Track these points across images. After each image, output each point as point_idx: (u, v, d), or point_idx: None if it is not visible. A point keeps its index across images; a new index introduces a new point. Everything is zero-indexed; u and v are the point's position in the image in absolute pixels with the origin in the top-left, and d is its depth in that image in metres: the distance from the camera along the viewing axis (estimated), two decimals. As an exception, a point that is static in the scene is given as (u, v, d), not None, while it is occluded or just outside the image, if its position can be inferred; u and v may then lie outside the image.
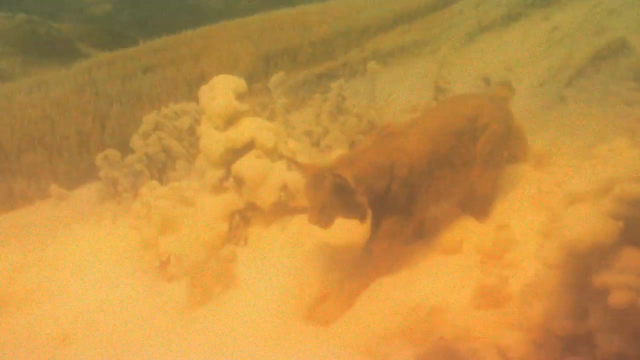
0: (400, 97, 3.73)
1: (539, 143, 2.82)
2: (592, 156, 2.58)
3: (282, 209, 2.75)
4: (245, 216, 2.81)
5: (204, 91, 2.82)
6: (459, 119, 2.37)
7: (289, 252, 2.48)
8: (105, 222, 3.54)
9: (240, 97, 2.78)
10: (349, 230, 2.30)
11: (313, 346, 1.99)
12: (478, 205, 2.48)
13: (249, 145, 2.73)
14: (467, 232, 2.35)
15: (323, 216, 2.04)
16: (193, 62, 4.00)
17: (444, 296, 2.05)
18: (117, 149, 3.96)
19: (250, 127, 2.73)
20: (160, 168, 3.94)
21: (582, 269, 1.62)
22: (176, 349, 2.13)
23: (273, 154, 2.76)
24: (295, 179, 2.72)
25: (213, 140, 2.71)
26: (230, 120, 2.74)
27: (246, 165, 2.68)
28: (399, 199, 2.15)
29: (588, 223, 1.56)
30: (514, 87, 2.78)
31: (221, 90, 2.73)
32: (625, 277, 1.55)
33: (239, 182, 2.73)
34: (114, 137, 4.32)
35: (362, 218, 2.12)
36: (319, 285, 2.22)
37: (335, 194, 2.00)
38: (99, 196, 4.00)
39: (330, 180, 1.98)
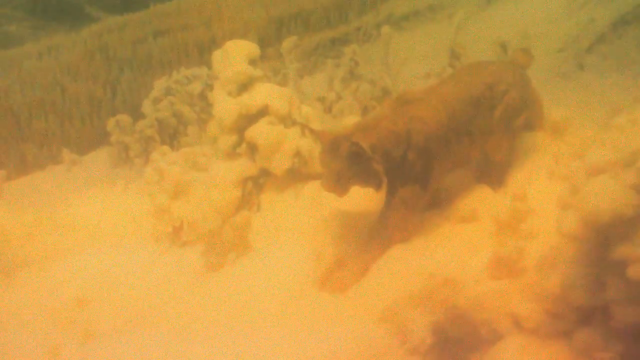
0: (414, 63, 3.67)
1: (556, 112, 2.75)
2: (612, 127, 2.55)
3: (296, 176, 2.74)
4: (257, 182, 2.80)
5: (217, 56, 2.78)
6: (477, 86, 2.32)
7: (303, 219, 2.48)
8: (118, 187, 3.56)
9: (253, 62, 2.74)
10: (364, 199, 2.28)
11: (328, 313, 2.00)
12: (494, 174, 2.46)
13: (263, 112, 2.69)
14: (482, 201, 2.33)
15: (339, 184, 2.03)
16: (204, 27, 3.94)
17: (459, 265, 2.04)
18: (129, 115, 3.96)
19: (264, 93, 2.69)
20: (171, 133, 3.94)
21: (601, 240, 1.60)
22: (192, 312, 2.15)
23: (287, 120, 2.73)
24: (308, 145, 2.71)
25: (226, 106, 2.68)
26: (244, 86, 2.71)
27: (259, 132, 2.66)
28: (415, 167, 2.13)
29: (609, 195, 1.53)
30: (533, 53, 2.71)
31: (234, 56, 2.69)
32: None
33: (252, 148, 2.71)
34: (125, 102, 4.30)
35: (378, 186, 2.11)
36: (334, 253, 2.21)
37: (351, 162, 1.98)
38: (110, 161, 4.01)
39: (347, 147, 1.96)
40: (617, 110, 2.72)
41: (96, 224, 3.13)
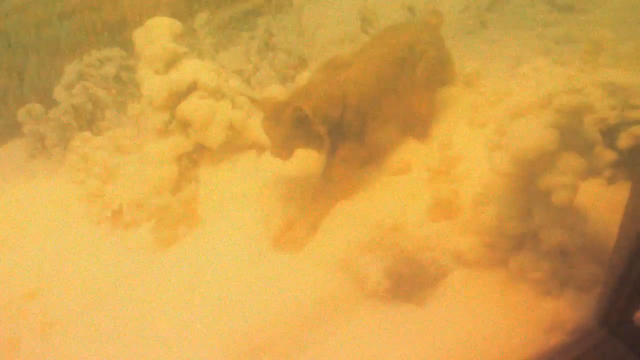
0: (327, 29, 3.79)
1: (466, 66, 2.97)
2: (517, 76, 2.82)
3: (231, 147, 2.80)
4: (193, 158, 2.83)
5: (139, 35, 2.76)
6: (399, 47, 2.49)
7: (245, 188, 2.56)
8: (39, 179, 3.46)
9: (177, 38, 2.75)
10: (304, 160, 2.39)
11: (286, 270, 2.11)
12: (419, 127, 2.65)
13: (192, 87, 2.72)
14: (413, 153, 2.53)
15: (284, 148, 2.12)
16: (112, 6, 3.83)
17: (401, 212, 2.22)
18: (40, 103, 3.82)
19: (191, 69, 2.72)
20: (88, 119, 3.84)
21: (528, 174, 1.81)
22: (150, 289, 2.18)
23: (216, 93, 2.77)
24: (240, 116, 2.78)
25: (155, 84, 2.68)
26: (170, 63, 2.72)
27: (191, 107, 2.69)
28: (352, 126, 2.27)
29: (533, 133, 1.74)
30: (442, 15, 2.91)
31: (158, 33, 2.69)
32: (564, 178, 1.76)
33: (185, 124, 2.74)
34: (34, 90, 4.11)
35: (320, 147, 2.23)
36: (282, 214, 2.31)
37: (295, 126, 2.08)
38: (26, 153, 3.85)
39: (290, 113, 2.05)
40: (519, 62, 2.99)
41: (24, 215, 3.05)
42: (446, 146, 2.45)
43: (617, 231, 1.72)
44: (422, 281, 2.03)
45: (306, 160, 2.41)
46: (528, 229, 1.91)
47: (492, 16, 3.50)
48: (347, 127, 2.26)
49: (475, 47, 3.29)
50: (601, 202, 2.04)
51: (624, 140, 2.14)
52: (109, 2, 3.87)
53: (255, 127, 2.80)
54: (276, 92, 3.00)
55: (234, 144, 2.80)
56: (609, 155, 2.01)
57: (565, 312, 1.89)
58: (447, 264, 2.07)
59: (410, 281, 2.02)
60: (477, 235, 2.05)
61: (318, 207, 2.29)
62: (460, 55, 3.08)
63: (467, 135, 2.54)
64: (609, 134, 2.13)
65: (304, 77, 3.54)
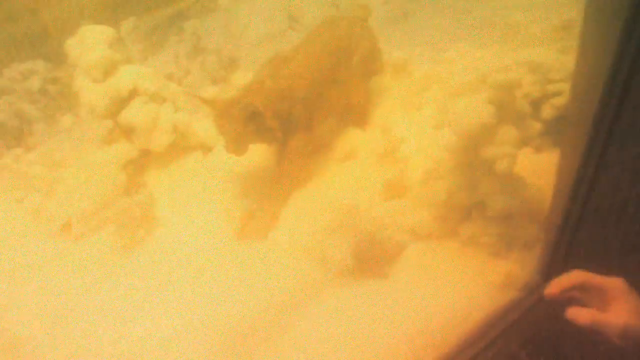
0: (256, 29, 3.85)
1: (394, 55, 3.14)
2: (443, 61, 3.02)
3: (177, 150, 2.82)
4: (139, 164, 2.83)
5: (73, 44, 2.72)
6: (334, 40, 2.61)
7: (199, 187, 2.59)
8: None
9: (112, 45, 2.74)
10: (257, 154, 2.46)
11: (253, 259, 2.18)
12: (359, 115, 2.78)
13: (132, 93, 2.72)
14: (356, 140, 2.66)
15: (239, 144, 2.19)
16: (32, 16, 3.71)
17: (355, 195, 2.35)
18: (-41, 121, 3.65)
19: (130, 75, 2.71)
20: (16, 135, 3.71)
21: (471, 148, 1.98)
22: (119, 293, 2.18)
23: (157, 98, 2.78)
24: (184, 119, 2.81)
25: (95, 92, 2.66)
26: (108, 70, 2.70)
27: (134, 113, 2.69)
28: (300, 118, 2.37)
29: (473, 110, 1.91)
30: (370, 7, 3.06)
31: (92, 41, 2.67)
32: (504, 148, 1.94)
33: (129, 130, 2.74)
34: (-49, 108, 3.91)
35: (272, 141, 2.31)
36: (241, 208, 2.37)
37: (247, 122, 2.15)
38: (-50, 175, 3.68)
39: (242, 109, 2.12)
40: (443, 48, 3.19)
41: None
42: (387, 130, 2.60)
43: (552, 194, 1.92)
44: (383, 257, 2.17)
45: (259, 154, 2.48)
46: (475, 198, 2.09)
47: (413, 6, 3.70)
48: (296, 119, 2.35)
49: (400, 37, 3.46)
50: (533, 169, 2.24)
51: (547, 112, 2.36)
52: (28, 13, 3.74)
53: (199, 128, 2.85)
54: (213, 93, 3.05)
55: (179, 146, 2.82)
56: (536, 126, 2.22)
57: (513, 270, 2.07)
58: (403, 239, 2.21)
59: (371, 258, 2.14)
60: (428, 210, 2.20)
61: (276, 198, 2.38)
62: (386, 45, 3.23)
63: (404, 119, 2.70)
64: (534, 107, 2.34)
65: (237, 77, 3.61)
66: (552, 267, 2.01)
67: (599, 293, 1.00)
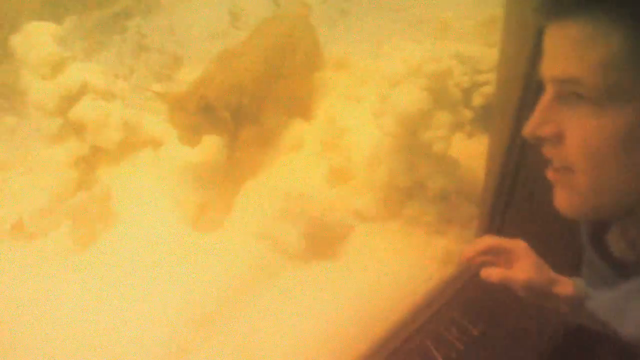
0: (199, 27, 3.92)
1: (334, 51, 3.30)
2: (381, 55, 3.19)
3: (127, 146, 2.87)
4: (90, 160, 2.86)
5: (19, 41, 2.72)
6: (279, 36, 2.75)
7: (152, 180, 2.66)
8: None
9: (59, 42, 2.76)
10: (207, 147, 2.55)
11: (210, 248, 2.28)
12: (303, 108, 2.92)
13: (82, 90, 2.75)
14: (302, 131, 2.79)
15: (193, 135, 2.28)
16: (-35, 17, 3.64)
17: (304, 183, 2.48)
18: None
19: (79, 72, 2.75)
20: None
21: (410, 132, 2.15)
22: (79, 288, 2.21)
23: (107, 95, 2.83)
24: (134, 115, 2.87)
25: (44, 90, 2.67)
26: (57, 67, 2.72)
27: (85, 110, 2.72)
28: (250, 111, 2.49)
29: (411, 97, 2.08)
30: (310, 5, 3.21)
31: (39, 38, 2.68)
32: (439, 131, 2.12)
33: (80, 127, 2.77)
34: None
35: (225, 132, 2.42)
36: (195, 200, 2.47)
37: (201, 114, 2.25)
38: None
39: (196, 101, 2.22)
40: (380, 43, 3.37)
41: None
42: (330, 121, 2.75)
43: (484, 174, 2.11)
44: (332, 239, 2.31)
45: (210, 146, 2.57)
46: (414, 180, 2.26)
47: (349, 5, 3.87)
48: (245, 111, 2.46)
49: (339, 34, 3.62)
50: (466, 153, 2.44)
51: (477, 100, 2.57)
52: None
53: (149, 124, 2.92)
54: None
55: (130, 142, 2.86)
56: (467, 113, 2.41)
57: (453, 247, 2.26)
58: (350, 221, 2.37)
59: (322, 240, 2.28)
60: (372, 193, 2.36)
61: (228, 187, 2.48)
62: (327, 41, 3.39)
63: (346, 110, 2.85)
64: (464, 95, 2.53)
65: (182, 74, 3.68)
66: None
67: (506, 254, 1.11)
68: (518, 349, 1.87)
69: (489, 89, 2.50)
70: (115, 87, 2.88)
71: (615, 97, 0.68)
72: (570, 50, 0.70)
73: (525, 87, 1.61)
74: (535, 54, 1.55)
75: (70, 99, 2.73)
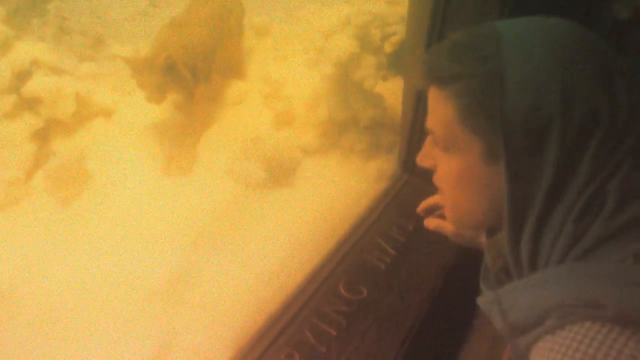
0: (119, 7, 4.14)
1: (255, 20, 3.69)
2: (299, 19, 3.64)
3: (80, 118, 3.12)
4: (45, 133, 3.07)
5: (-36, 24, 2.87)
6: (216, 5, 3.11)
7: (112, 145, 2.93)
8: None
9: (5, 21, 2.93)
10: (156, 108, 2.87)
11: (183, 187, 2.61)
12: (237, 69, 3.31)
13: (33, 66, 2.95)
14: (241, 88, 3.18)
15: (158, 94, 2.61)
16: None
17: (254, 128, 2.89)
18: None
19: (29, 49, 2.95)
20: None
21: (344, 74, 2.62)
22: (65, 239, 2.45)
23: (57, 70, 3.05)
24: (84, 87, 3.11)
25: (-4, 68, 2.85)
26: (4, 45, 2.90)
27: (39, 86, 2.93)
28: (202, 71, 2.84)
29: (343, 45, 2.55)
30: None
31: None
32: (368, 71, 2.61)
33: (34, 102, 2.97)
34: None
35: (186, 89, 2.75)
36: (163, 151, 2.79)
37: (165, 74, 2.57)
38: None
39: (162, 62, 2.54)
40: (291, 10, 3.82)
41: None
42: (265, 78, 3.17)
43: (402, 107, 2.62)
44: (285, 171, 2.74)
45: (159, 107, 2.87)
46: (349, 114, 2.75)
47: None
48: (199, 72, 2.82)
49: (257, 5, 3.99)
50: (385, 93, 2.96)
51: (387, 48, 3.09)
52: None
53: (98, 96, 3.18)
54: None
55: (82, 114, 3.10)
56: (383, 58, 2.93)
57: (383, 167, 2.77)
58: (298, 156, 2.81)
59: (277, 173, 2.71)
60: (314, 129, 2.82)
61: (190, 139, 2.83)
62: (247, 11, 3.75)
63: (276, 67, 3.28)
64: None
65: (107, 53, 3.91)
66: (407, 161, 2.72)
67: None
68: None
69: (396, 39, 3.02)
70: (63, 62, 3.10)
71: (452, 147, 0.89)
72: (431, 108, 0.91)
73: (428, 35, 1.96)
74: (436, 7, 2.04)
75: (22, 75, 2.92)
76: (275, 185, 2.68)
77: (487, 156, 0.84)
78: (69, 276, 2.33)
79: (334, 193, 2.66)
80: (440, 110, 0.88)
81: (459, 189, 0.93)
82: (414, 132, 2.50)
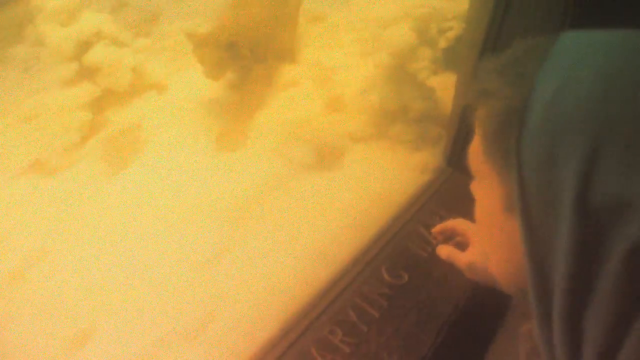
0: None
1: (314, 9, 3.74)
2: (351, 9, 3.67)
3: (134, 89, 3.21)
4: (101, 102, 3.17)
5: (33, -10, 2.98)
6: None
7: (166, 117, 3.02)
8: None
9: (71, -8, 3.03)
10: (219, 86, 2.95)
11: (234, 162, 2.68)
12: (291, 54, 3.36)
13: (96, 37, 3.05)
14: (293, 71, 3.24)
15: (217, 70, 2.68)
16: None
17: (306, 111, 2.93)
18: None
19: (93, 20, 3.04)
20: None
21: (399, 65, 2.66)
22: (114, 206, 2.55)
23: (117, 41, 3.14)
24: (141, 61, 3.20)
25: (62, 36, 2.95)
26: (72, 15, 3.00)
27: (99, 55, 3.03)
28: (260, 52, 2.90)
29: (401, 35, 2.58)
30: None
31: (54, -13, 2.95)
32: (423, 63, 2.64)
33: (94, 71, 3.07)
34: None
35: (245, 68, 2.82)
36: (215, 129, 2.86)
37: (226, 51, 2.64)
38: None
39: (224, 39, 2.60)
40: (341, 1, 3.86)
41: None
42: (317, 64, 3.21)
43: (452, 103, 2.65)
44: (335, 156, 2.79)
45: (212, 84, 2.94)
46: (400, 104, 2.78)
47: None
48: (257, 52, 2.88)
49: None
50: (436, 86, 2.98)
51: (442, 42, 3.11)
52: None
53: (153, 70, 3.26)
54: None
55: (137, 86, 3.20)
56: (437, 53, 2.95)
57: (428, 159, 2.79)
58: (346, 142, 2.86)
59: (327, 157, 2.76)
60: (364, 117, 2.86)
61: (243, 117, 2.90)
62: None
63: (328, 54, 3.33)
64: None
65: (159, 29, 4.00)
66: (452, 156, 2.74)
67: (464, 236, 1.26)
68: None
69: (452, 34, 3.03)
70: (122, 35, 3.19)
71: (479, 178, 0.76)
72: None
73: (487, 32, 2.02)
74: (496, 6, 2.06)
75: (85, 44, 3.03)
76: (322, 169, 2.72)
77: (506, 201, 0.66)
78: (115, 242, 2.42)
79: (379, 180, 2.70)
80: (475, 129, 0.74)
81: (487, 231, 0.76)
82: (461, 129, 2.53)
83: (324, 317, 1.95)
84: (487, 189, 0.71)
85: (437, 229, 1.34)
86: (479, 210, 0.78)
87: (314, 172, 2.71)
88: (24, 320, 2.13)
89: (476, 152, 0.72)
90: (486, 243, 0.77)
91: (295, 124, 2.78)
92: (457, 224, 1.29)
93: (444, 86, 2.93)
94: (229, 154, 2.76)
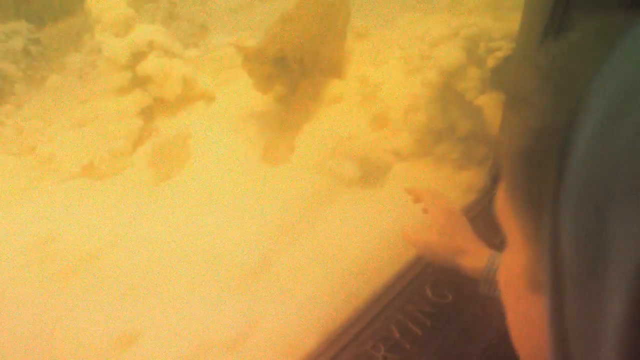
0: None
1: (357, 24, 3.77)
2: (397, 27, 3.70)
3: (183, 99, 3.29)
4: (151, 111, 3.26)
5: (94, 2, 3.09)
6: (325, 5, 3.20)
7: (214, 129, 3.08)
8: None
9: (129, 4, 3.14)
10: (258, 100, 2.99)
11: (278, 177, 2.71)
12: (337, 69, 3.40)
13: (149, 47, 3.14)
14: (339, 87, 3.27)
15: (266, 84, 2.72)
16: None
17: (350, 128, 2.96)
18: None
19: (146, 31, 3.14)
20: (-1, 95, 3.95)
21: (447, 83, 2.67)
22: (161, 212, 2.59)
23: (168, 53, 3.23)
24: (190, 72, 3.28)
25: (118, 46, 3.05)
26: (127, 26, 3.10)
27: (152, 65, 3.12)
28: (307, 67, 2.94)
29: (451, 54, 2.59)
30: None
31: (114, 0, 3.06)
32: (472, 82, 2.64)
33: (145, 80, 3.16)
34: None
35: (293, 82, 2.86)
36: (261, 141, 2.91)
37: (275, 65, 2.69)
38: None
39: (274, 54, 2.65)
40: (393, 17, 3.88)
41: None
42: (363, 80, 3.24)
43: (499, 123, 2.63)
44: (379, 173, 2.80)
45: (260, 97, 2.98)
46: (446, 123, 2.78)
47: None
48: (305, 67, 2.92)
49: (355, 9, 4.07)
50: (483, 104, 2.97)
51: (490, 62, 3.11)
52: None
53: (202, 81, 3.34)
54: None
55: (186, 96, 3.27)
56: (486, 73, 2.95)
57: (473, 178, 2.78)
58: (390, 159, 2.87)
59: (369, 173, 2.78)
60: (410, 134, 2.87)
61: (289, 131, 2.94)
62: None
63: (374, 71, 3.35)
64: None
65: (209, 42, 4.09)
66: (497, 177, 2.73)
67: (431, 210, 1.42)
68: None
69: (500, 54, 3.02)
70: (174, 46, 3.28)
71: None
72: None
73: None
74: (547, 29, 2.06)
75: (139, 55, 3.12)
76: (366, 185, 2.73)
77: (531, 276, 0.46)
78: (161, 248, 2.47)
79: (422, 198, 2.69)
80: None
81: (510, 300, 0.54)
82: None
83: (367, 332, 1.95)
84: (514, 252, 0.50)
85: (410, 189, 1.43)
86: (503, 274, 0.57)
87: (358, 188, 2.72)
88: (74, 320, 2.19)
89: (502, 200, 0.51)
90: (508, 313, 0.55)
91: (340, 139, 2.80)
92: (428, 195, 1.42)
93: (492, 106, 2.92)
94: (274, 167, 2.80)
